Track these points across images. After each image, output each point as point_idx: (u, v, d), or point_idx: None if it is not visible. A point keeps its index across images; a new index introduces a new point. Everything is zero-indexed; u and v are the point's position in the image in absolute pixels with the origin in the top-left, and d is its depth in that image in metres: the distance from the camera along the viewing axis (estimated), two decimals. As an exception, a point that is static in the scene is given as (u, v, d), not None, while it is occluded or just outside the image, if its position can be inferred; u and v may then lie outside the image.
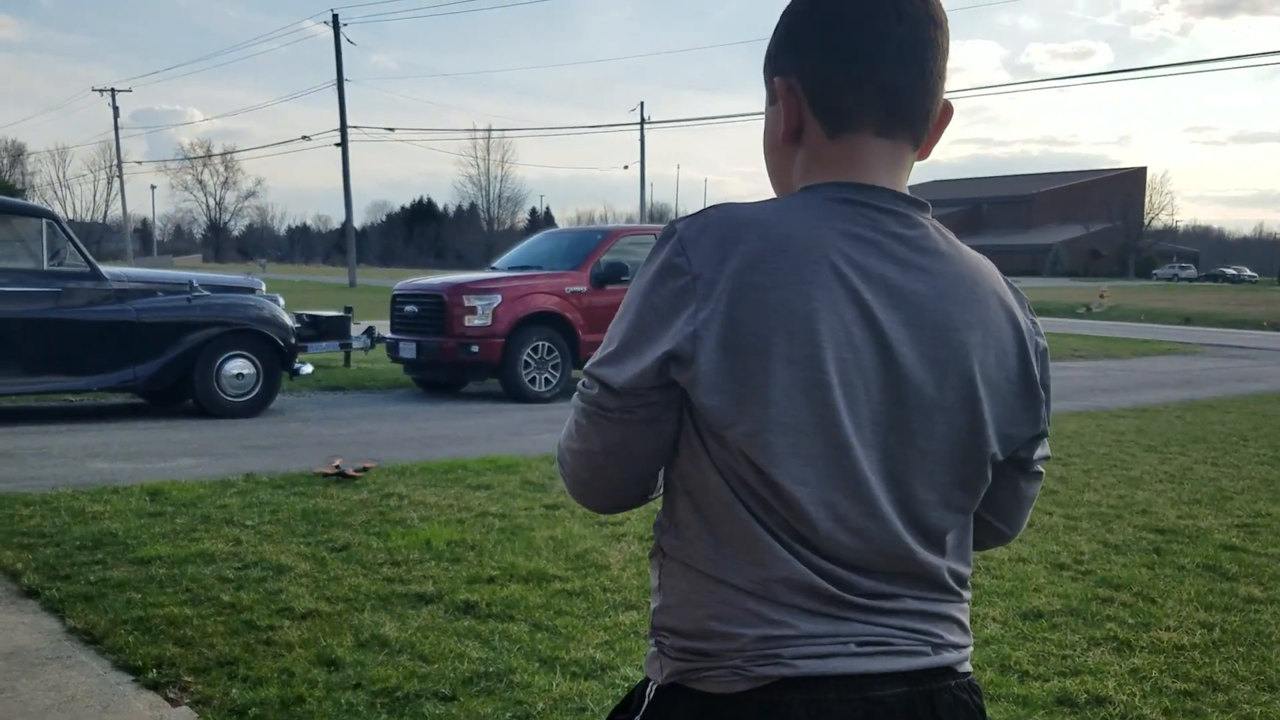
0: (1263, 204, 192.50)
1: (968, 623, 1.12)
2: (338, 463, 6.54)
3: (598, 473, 1.11)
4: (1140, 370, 15.50)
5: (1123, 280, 68.49)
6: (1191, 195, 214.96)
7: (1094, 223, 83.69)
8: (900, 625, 1.04)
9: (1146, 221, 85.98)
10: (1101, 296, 38.14)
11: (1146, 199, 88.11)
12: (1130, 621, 3.98)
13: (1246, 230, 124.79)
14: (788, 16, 1.10)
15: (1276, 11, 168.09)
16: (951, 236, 1.09)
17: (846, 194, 1.05)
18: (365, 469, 6.40)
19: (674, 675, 1.06)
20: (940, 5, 1.08)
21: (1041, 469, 1.19)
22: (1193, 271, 77.50)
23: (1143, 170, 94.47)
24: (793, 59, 1.09)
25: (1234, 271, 76.39)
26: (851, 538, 1.02)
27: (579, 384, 1.08)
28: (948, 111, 1.11)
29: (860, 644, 1.02)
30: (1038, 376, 1.11)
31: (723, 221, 1.02)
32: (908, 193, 1.08)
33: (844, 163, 1.07)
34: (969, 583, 1.13)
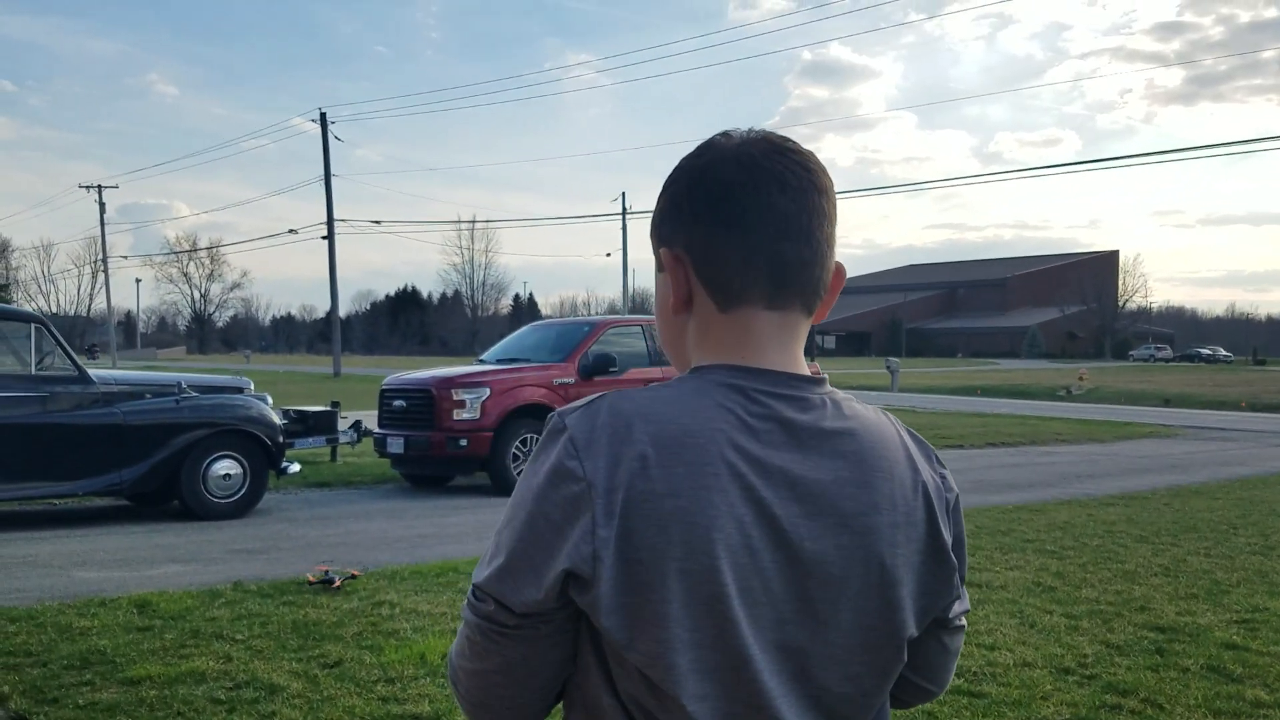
0: (1233, 284, 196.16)
1: None
2: (324, 568, 6.44)
3: (492, 693, 1.04)
4: (1124, 455, 15.56)
5: (1100, 361, 69.19)
6: (1163, 277, 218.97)
7: (1069, 305, 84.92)
8: None
9: (1121, 303, 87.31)
10: (1081, 379, 38.45)
11: (1120, 281, 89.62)
12: (1140, 731, 3.93)
13: (1219, 310, 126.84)
14: (672, 187, 1.08)
15: (1237, 100, 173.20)
16: (852, 406, 1.07)
17: (739, 379, 1.02)
18: (353, 576, 6.30)
19: None
20: (823, 170, 1.07)
21: (963, 622, 1.16)
22: (1169, 352, 78.41)
23: (1115, 253, 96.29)
24: (679, 231, 1.06)
25: (1209, 351, 77.38)
26: None
27: (469, 596, 1.02)
28: (840, 275, 1.09)
29: None
30: (948, 542, 1.08)
31: (614, 418, 0.97)
32: (803, 366, 1.06)
33: (735, 338, 1.04)
34: None
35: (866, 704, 1.06)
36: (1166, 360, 72.93)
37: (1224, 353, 77.49)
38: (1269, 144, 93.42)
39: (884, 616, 1.03)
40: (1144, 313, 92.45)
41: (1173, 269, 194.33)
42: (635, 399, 1.00)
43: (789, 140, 1.06)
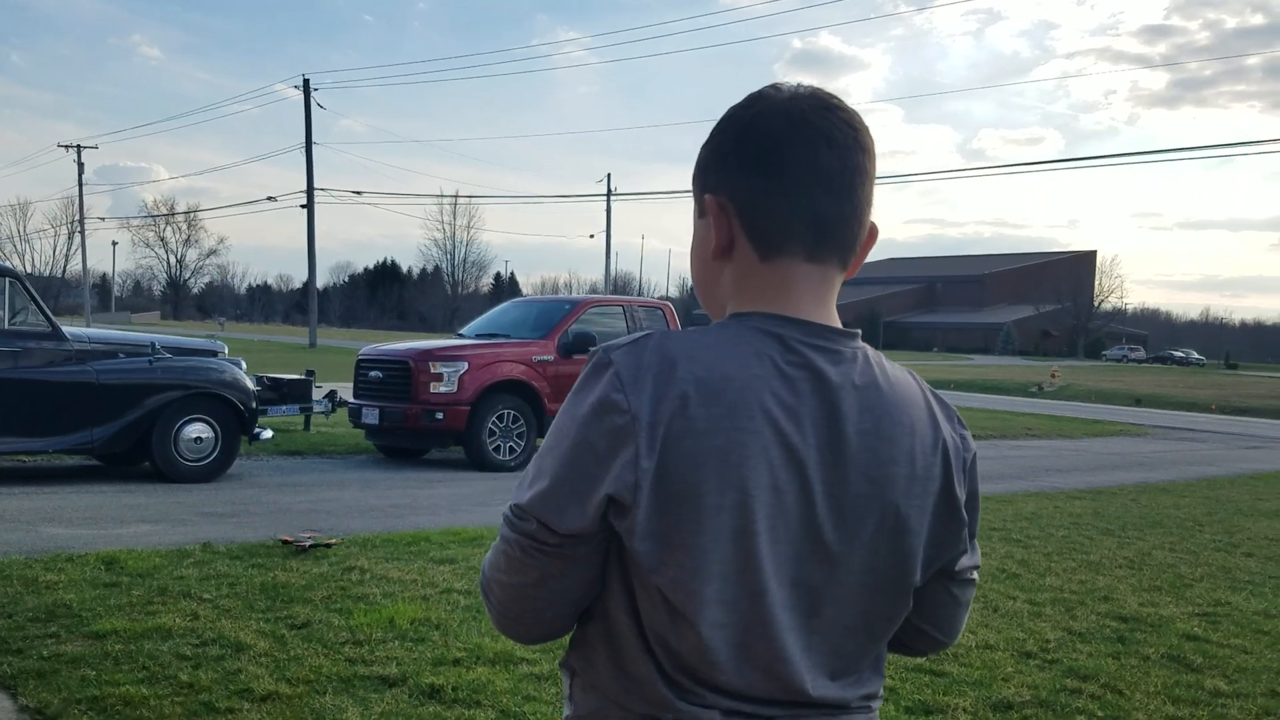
0: (1208, 289, 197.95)
1: None
2: (310, 535, 6.44)
3: (529, 605, 1.09)
4: (1093, 451, 15.72)
5: (1073, 360, 69.76)
6: (1140, 279, 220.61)
7: (1045, 303, 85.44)
8: None
9: (1097, 303, 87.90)
10: (1053, 376, 38.76)
11: (1096, 281, 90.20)
12: (1100, 715, 3.99)
13: (1193, 314, 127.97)
14: (719, 135, 1.11)
15: (1220, 105, 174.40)
16: (880, 362, 1.10)
17: (777, 327, 1.05)
18: (328, 545, 6.28)
19: None
20: (867, 130, 1.09)
21: (974, 576, 1.20)
22: (1142, 353, 79.15)
23: (1093, 254, 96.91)
24: (726, 179, 1.09)
25: (1182, 354, 78.15)
26: (762, 676, 1.04)
27: (508, 515, 1.06)
28: (873, 234, 1.13)
29: None
30: (962, 499, 1.12)
31: (660, 358, 1.01)
32: (836, 318, 1.10)
33: (774, 287, 1.08)
34: (880, 695, 1.16)
35: (869, 644, 1.11)
36: (1139, 361, 73.61)
37: (1197, 356, 78.28)
38: (1249, 149, 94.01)
39: (894, 562, 1.08)
40: (1119, 313, 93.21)
41: (1149, 271, 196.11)
42: (680, 340, 1.03)
43: (836, 97, 1.09)
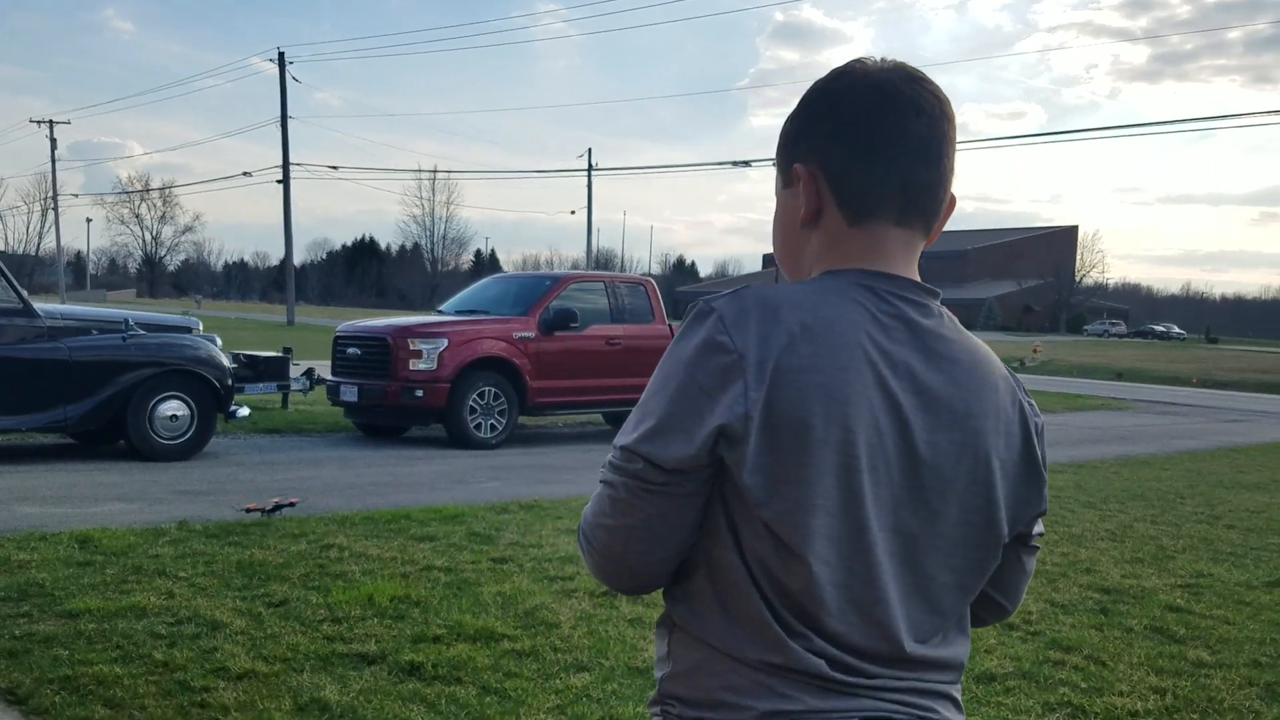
0: (1189, 263, 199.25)
1: (960, 700, 1.17)
2: (273, 501, 6.41)
3: (632, 548, 1.10)
4: (1075, 425, 15.78)
5: (1055, 335, 70.16)
6: (1121, 254, 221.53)
7: (1027, 279, 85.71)
8: (904, 701, 1.09)
9: (1078, 278, 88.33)
10: (1035, 351, 38.95)
11: (1078, 256, 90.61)
12: (1083, 686, 3.98)
13: (1174, 288, 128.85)
14: (810, 107, 1.16)
15: (1201, 79, 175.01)
16: (958, 323, 1.16)
17: (870, 281, 1.10)
18: (291, 504, 6.23)
19: None
20: (949, 102, 1.15)
21: (1038, 544, 1.26)
22: (1123, 328, 79.66)
23: (1074, 229, 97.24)
24: (816, 148, 1.14)
25: (1163, 329, 78.70)
26: (862, 620, 1.06)
27: (611, 458, 1.08)
28: (951, 203, 1.18)
29: (865, 719, 1.06)
30: (1040, 457, 1.17)
31: (761, 303, 1.05)
32: (920, 280, 1.14)
33: (864, 250, 1.13)
34: (965, 662, 1.18)
35: (962, 598, 1.15)
36: (1120, 336, 74.09)
37: (1178, 330, 78.85)
38: (1230, 123, 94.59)
39: (985, 514, 1.12)
40: (1100, 288, 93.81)
41: (1130, 246, 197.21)
42: (778, 289, 1.08)
43: (919, 70, 1.15)
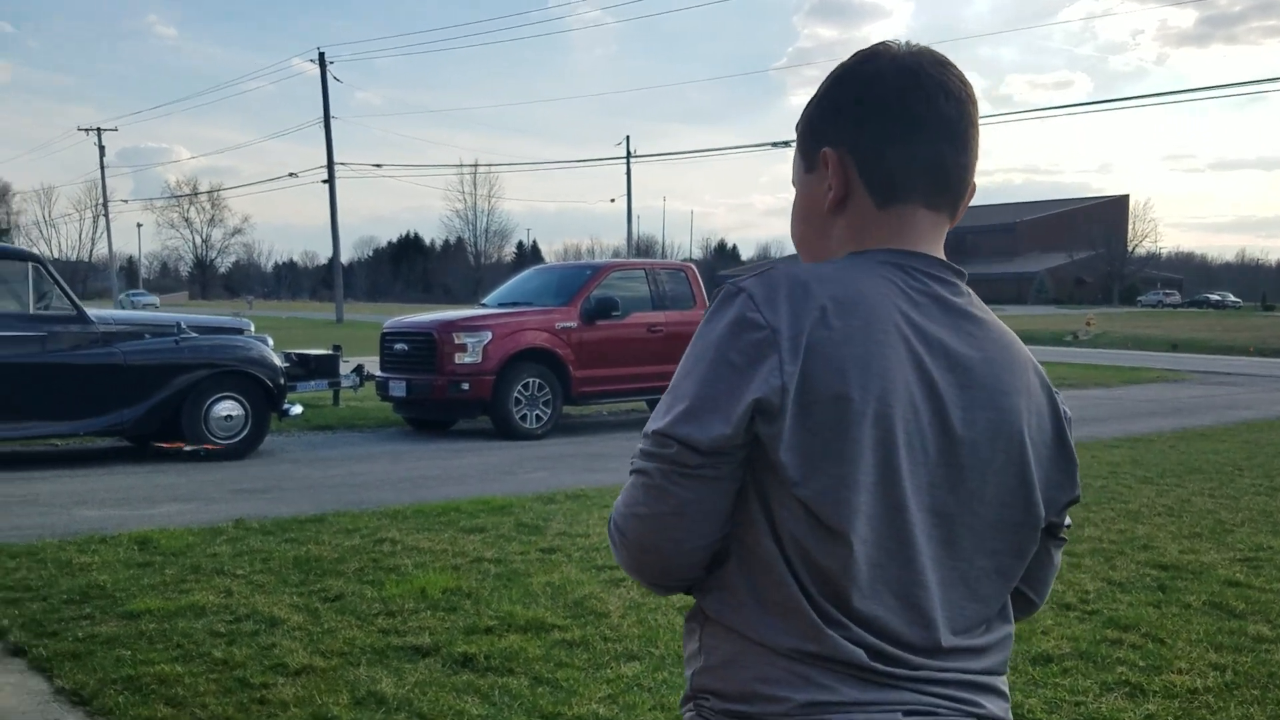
0: (1243, 230, 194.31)
1: (1007, 690, 1.14)
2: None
3: (667, 536, 1.07)
4: (1130, 399, 15.51)
5: (1108, 307, 68.95)
6: (1173, 222, 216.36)
7: (1078, 250, 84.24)
8: (946, 695, 1.05)
9: (1130, 248, 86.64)
10: (1088, 324, 38.30)
11: (1130, 226, 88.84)
12: (1141, 664, 3.92)
13: (1229, 256, 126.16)
14: (836, 90, 1.15)
15: (1251, 41, 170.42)
16: (984, 304, 1.14)
17: (899, 259, 1.10)
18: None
19: None
20: (972, 85, 1.15)
21: (1066, 536, 1.23)
22: (1177, 298, 78.03)
23: (1125, 198, 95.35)
24: (844, 132, 1.13)
25: (1218, 297, 76.99)
26: (900, 604, 1.04)
27: (644, 446, 1.06)
28: (972, 190, 1.18)
29: (907, 712, 1.03)
30: (1071, 441, 1.16)
31: (791, 280, 1.03)
32: (947, 260, 1.13)
33: (893, 233, 1.12)
34: (1009, 651, 1.15)
35: (1003, 584, 1.12)
36: (1175, 306, 72.59)
37: (1233, 298, 77.08)
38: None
39: (1021, 494, 1.10)
40: (1153, 258, 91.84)
41: (1183, 214, 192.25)
42: (808, 267, 1.06)
43: (944, 55, 1.15)
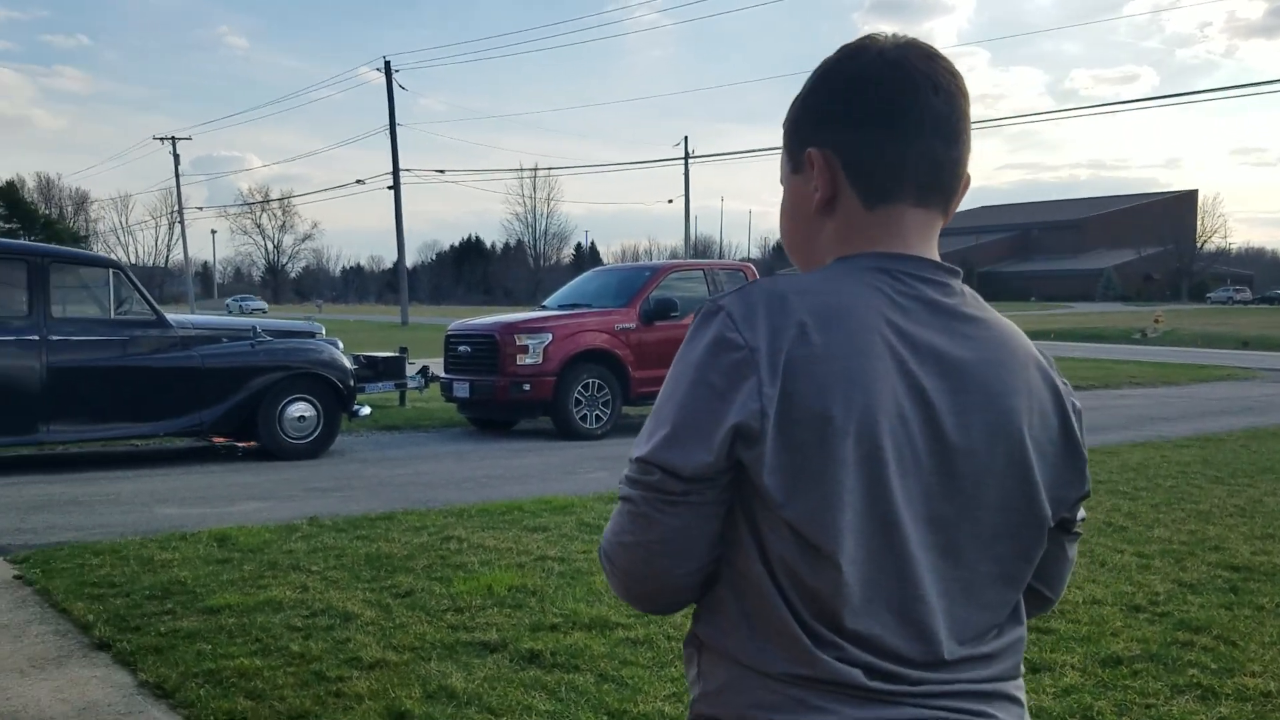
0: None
1: (1022, 695, 1.09)
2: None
3: (655, 565, 1.05)
4: (1199, 397, 15.17)
5: (1177, 304, 67.33)
6: (1243, 217, 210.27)
7: (1146, 246, 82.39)
8: (953, 707, 1.02)
9: (1199, 244, 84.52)
10: (1157, 321, 37.45)
11: (1199, 221, 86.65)
12: (1213, 667, 3.87)
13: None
14: (822, 87, 1.10)
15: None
16: (982, 301, 1.11)
17: (885, 263, 1.06)
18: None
19: None
20: (963, 78, 1.11)
21: (1081, 530, 1.19)
22: (1248, 294, 75.93)
23: (1194, 193, 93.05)
24: (831, 131, 1.09)
25: (1291, 292, 74.67)
26: (898, 621, 1.00)
27: (628, 473, 1.03)
28: (966, 183, 1.13)
29: None
30: (1079, 436, 1.11)
31: (769, 295, 1.00)
32: (940, 260, 1.09)
33: (881, 233, 1.08)
34: (1022, 654, 1.11)
35: (1010, 589, 1.08)
36: (1245, 302, 70.64)
37: (1307, 294, 74.74)
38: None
39: (1026, 497, 1.06)
40: (1223, 254, 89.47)
41: (1253, 208, 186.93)
42: (786, 280, 1.03)
43: (932, 46, 1.10)
